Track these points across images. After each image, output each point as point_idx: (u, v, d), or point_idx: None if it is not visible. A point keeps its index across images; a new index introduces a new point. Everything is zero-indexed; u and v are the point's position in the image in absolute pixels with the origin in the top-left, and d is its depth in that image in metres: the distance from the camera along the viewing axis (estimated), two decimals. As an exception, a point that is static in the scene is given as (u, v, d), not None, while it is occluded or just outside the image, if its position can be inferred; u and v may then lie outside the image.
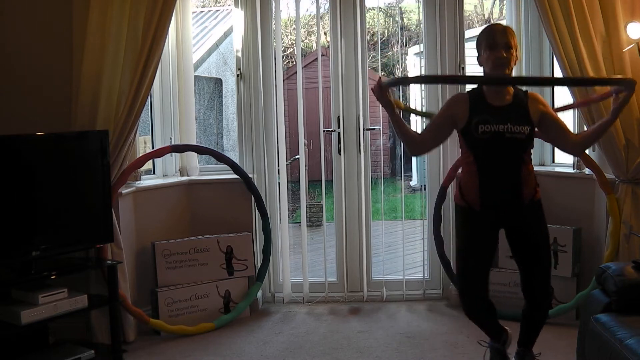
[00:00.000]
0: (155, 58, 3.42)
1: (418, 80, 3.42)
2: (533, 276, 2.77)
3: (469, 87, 2.92)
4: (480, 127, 2.60)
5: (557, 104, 4.16)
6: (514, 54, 2.61)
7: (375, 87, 2.62)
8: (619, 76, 2.81)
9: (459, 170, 2.83)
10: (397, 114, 2.68)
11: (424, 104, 4.28)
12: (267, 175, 4.16)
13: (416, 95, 8.47)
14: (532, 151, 2.72)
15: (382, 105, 2.65)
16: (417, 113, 3.81)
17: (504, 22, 4.77)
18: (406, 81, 2.93)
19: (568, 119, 3.99)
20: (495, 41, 2.59)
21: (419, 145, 2.74)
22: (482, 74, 2.71)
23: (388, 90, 2.62)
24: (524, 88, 2.75)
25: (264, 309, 4.12)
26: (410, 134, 2.72)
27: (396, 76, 8.25)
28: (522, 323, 2.89)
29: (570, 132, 2.75)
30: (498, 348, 2.88)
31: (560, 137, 2.73)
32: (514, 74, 2.77)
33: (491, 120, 2.59)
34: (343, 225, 4.22)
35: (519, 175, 2.65)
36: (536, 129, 2.66)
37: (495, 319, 2.87)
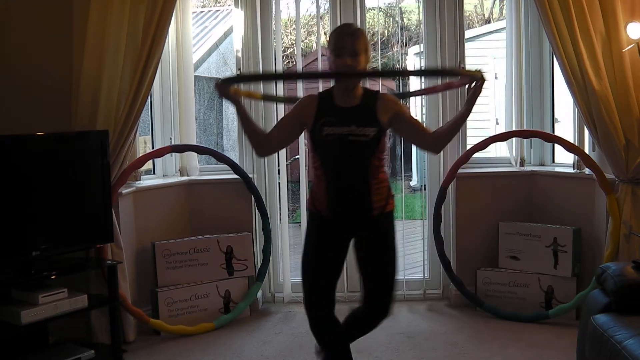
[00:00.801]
0: (155, 58, 3.42)
1: (254, 78, 3.24)
2: (374, 294, 2.62)
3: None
4: (324, 130, 2.48)
5: (558, 110, 4.18)
6: (363, 59, 2.48)
7: (215, 85, 2.55)
8: (468, 70, 2.62)
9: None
10: (244, 109, 2.58)
11: (424, 105, 4.27)
12: (267, 175, 4.16)
13: (417, 102, 8.46)
14: (384, 157, 2.58)
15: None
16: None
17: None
18: (242, 79, 2.70)
19: (569, 120, 4.00)
20: (343, 47, 2.46)
21: (264, 144, 2.64)
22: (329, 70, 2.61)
23: (227, 87, 2.53)
24: (376, 89, 2.65)
25: (264, 309, 4.12)
26: (257, 132, 2.62)
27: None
28: (349, 319, 2.72)
29: (425, 129, 2.62)
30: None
31: (415, 135, 2.62)
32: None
33: (336, 122, 2.48)
34: (343, 225, 4.21)
35: (366, 182, 2.52)
36: (389, 131, 2.54)
37: (346, 346, 2.69)
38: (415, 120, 2.66)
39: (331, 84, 2.66)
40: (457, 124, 2.56)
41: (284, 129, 2.66)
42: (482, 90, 2.48)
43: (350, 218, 2.58)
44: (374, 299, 2.63)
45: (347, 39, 2.47)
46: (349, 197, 2.55)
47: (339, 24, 4.07)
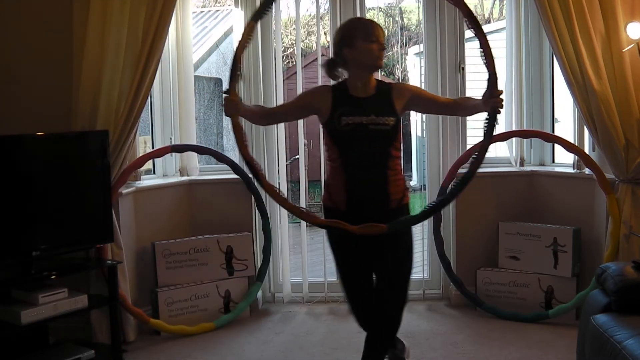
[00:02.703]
0: (155, 58, 3.42)
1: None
2: (384, 297, 2.66)
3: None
4: (343, 119, 2.52)
5: (558, 110, 4.18)
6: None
7: (227, 104, 2.51)
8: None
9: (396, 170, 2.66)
10: (246, 113, 2.63)
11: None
12: (267, 175, 4.14)
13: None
14: (400, 148, 2.62)
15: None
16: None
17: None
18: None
19: (569, 120, 4.00)
20: (376, 34, 2.54)
21: (265, 122, 2.91)
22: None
23: (235, 101, 2.52)
24: (387, 81, 2.72)
25: (264, 309, 4.12)
26: (251, 112, 2.71)
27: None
28: (369, 344, 2.74)
29: (445, 100, 2.82)
30: (396, 356, 2.86)
31: (436, 109, 2.83)
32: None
33: (354, 111, 2.52)
34: (343, 225, 4.21)
35: (385, 172, 2.55)
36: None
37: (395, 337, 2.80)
38: (431, 95, 2.77)
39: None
40: (472, 111, 2.62)
41: (292, 111, 2.76)
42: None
43: (368, 210, 2.56)
44: (381, 309, 2.67)
45: (379, 30, 2.56)
46: (367, 189, 2.56)
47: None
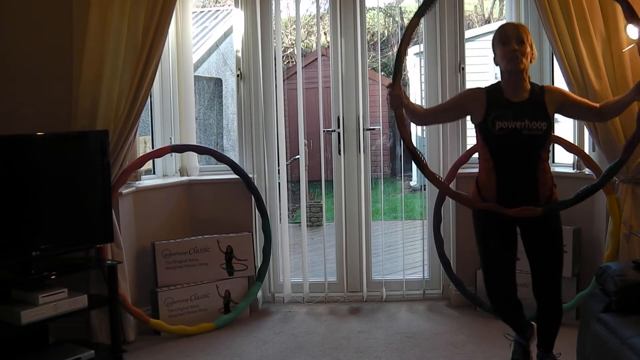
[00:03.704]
0: (155, 58, 3.42)
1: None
2: (542, 277, 2.81)
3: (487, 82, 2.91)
4: (497, 124, 2.60)
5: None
6: (528, 49, 2.60)
7: (392, 98, 2.63)
8: None
9: (476, 169, 2.86)
10: (406, 103, 2.70)
11: (424, 105, 4.27)
12: (267, 175, 4.16)
13: (416, 95, 8.46)
14: (550, 149, 2.72)
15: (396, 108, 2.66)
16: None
17: (503, 23, 4.76)
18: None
19: (569, 121, 3.99)
20: (508, 35, 2.60)
21: (420, 119, 2.91)
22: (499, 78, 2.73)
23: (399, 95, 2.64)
24: (541, 84, 2.77)
25: (264, 309, 4.12)
26: (414, 110, 2.78)
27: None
28: (538, 326, 2.93)
29: (592, 105, 2.76)
30: (522, 342, 2.95)
31: (584, 115, 2.84)
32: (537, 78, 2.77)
33: (508, 116, 2.59)
34: (343, 225, 4.22)
35: (535, 173, 2.65)
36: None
37: (521, 314, 2.92)
38: (580, 100, 2.79)
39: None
40: (624, 105, 2.64)
41: (448, 111, 2.86)
42: None
43: (519, 206, 2.65)
44: (540, 292, 2.83)
45: (512, 29, 2.62)
46: (518, 189, 2.66)
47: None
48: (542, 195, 2.68)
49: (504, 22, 3.63)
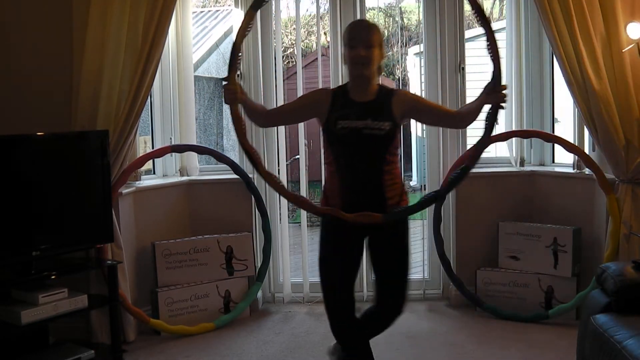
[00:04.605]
0: (155, 58, 3.42)
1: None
2: (387, 288, 2.67)
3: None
4: (339, 123, 2.52)
5: (558, 110, 4.17)
6: (377, 52, 2.52)
7: (226, 92, 2.51)
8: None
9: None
10: (246, 104, 2.61)
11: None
12: (267, 175, 4.15)
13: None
14: (397, 152, 2.61)
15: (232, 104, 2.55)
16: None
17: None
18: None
19: (569, 120, 4.00)
20: (356, 39, 2.51)
21: (264, 122, 2.82)
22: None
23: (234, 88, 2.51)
24: (391, 87, 2.71)
25: (264, 309, 4.12)
26: (254, 108, 2.68)
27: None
28: (363, 319, 2.74)
29: (447, 111, 2.79)
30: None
31: (438, 120, 2.81)
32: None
33: (351, 115, 2.51)
34: (343, 225, 4.21)
35: (380, 177, 2.54)
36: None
37: (367, 344, 2.71)
38: (436, 105, 2.76)
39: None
40: (478, 108, 2.55)
41: (292, 113, 2.75)
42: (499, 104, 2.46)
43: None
44: (387, 297, 2.67)
45: (361, 32, 2.53)
46: (363, 192, 2.55)
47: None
48: (390, 201, 2.56)
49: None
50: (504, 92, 2.43)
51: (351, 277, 2.67)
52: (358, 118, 2.51)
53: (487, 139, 2.50)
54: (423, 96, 4.27)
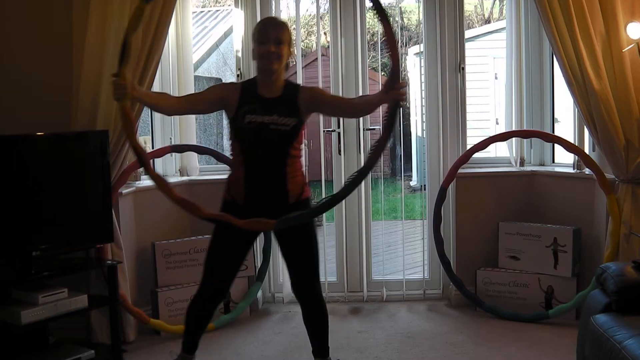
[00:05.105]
0: (155, 58, 3.42)
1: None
2: (299, 274, 2.81)
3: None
4: (247, 117, 2.59)
5: (558, 110, 4.18)
6: (286, 50, 2.60)
7: (115, 88, 2.44)
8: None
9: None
10: (137, 96, 2.55)
11: (424, 107, 4.27)
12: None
13: (416, 102, 8.46)
14: (301, 147, 2.70)
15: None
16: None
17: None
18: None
19: (569, 119, 4.00)
20: (267, 36, 2.58)
21: (172, 111, 2.76)
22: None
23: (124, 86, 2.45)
24: (297, 82, 2.76)
25: (264, 309, 4.12)
26: (154, 102, 2.65)
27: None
28: (308, 331, 2.89)
29: (346, 101, 2.90)
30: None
31: (337, 111, 2.89)
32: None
33: (259, 110, 2.59)
34: (343, 225, 4.22)
35: (284, 170, 2.63)
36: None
37: (202, 333, 2.87)
38: (334, 96, 2.85)
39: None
40: (374, 104, 2.56)
41: (201, 102, 2.74)
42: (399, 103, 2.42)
43: (266, 205, 2.63)
44: (302, 287, 2.82)
45: (272, 29, 2.60)
46: (266, 185, 2.65)
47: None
48: (292, 193, 2.66)
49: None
50: (402, 89, 2.39)
51: (235, 264, 2.78)
52: (265, 113, 2.59)
53: (385, 139, 2.42)
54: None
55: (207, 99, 2.73)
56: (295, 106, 2.64)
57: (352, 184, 2.45)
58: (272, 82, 2.65)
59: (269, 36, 2.58)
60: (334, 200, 2.48)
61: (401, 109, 2.48)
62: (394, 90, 2.38)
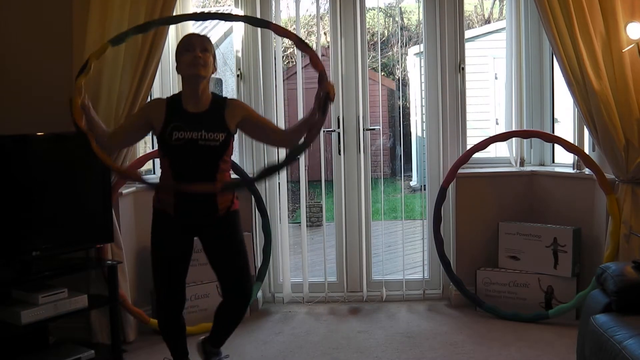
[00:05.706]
0: (155, 58, 3.42)
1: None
2: (228, 279, 2.78)
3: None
4: (174, 134, 2.56)
5: (558, 110, 4.18)
6: (211, 60, 2.61)
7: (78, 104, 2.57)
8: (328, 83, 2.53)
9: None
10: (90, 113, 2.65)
11: (424, 107, 4.28)
12: (267, 176, 4.15)
13: (416, 102, 8.47)
14: (230, 160, 2.70)
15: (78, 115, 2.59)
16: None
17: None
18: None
19: (569, 120, 4.00)
20: (192, 44, 2.60)
21: (108, 144, 2.69)
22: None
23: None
24: (224, 95, 2.76)
25: (264, 309, 4.12)
26: (100, 129, 2.68)
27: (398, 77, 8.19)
28: (216, 320, 2.88)
29: (276, 128, 2.84)
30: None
31: (265, 136, 2.80)
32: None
33: (185, 127, 2.57)
34: (343, 225, 4.22)
35: (212, 184, 2.63)
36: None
37: (184, 338, 2.87)
38: (265, 120, 2.82)
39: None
40: (305, 122, 2.61)
41: (129, 129, 2.75)
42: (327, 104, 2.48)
43: (196, 218, 2.68)
44: (230, 289, 2.79)
45: (196, 38, 2.63)
46: (195, 199, 2.64)
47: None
48: (222, 205, 2.68)
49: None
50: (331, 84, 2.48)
51: (181, 273, 2.76)
52: (192, 129, 2.57)
53: (320, 124, 2.50)
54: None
55: (132, 124, 2.73)
56: (223, 120, 2.62)
57: (293, 154, 2.52)
58: (199, 95, 2.62)
59: (195, 45, 2.59)
60: (275, 168, 2.54)
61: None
62: (325, 84, 2.45)
